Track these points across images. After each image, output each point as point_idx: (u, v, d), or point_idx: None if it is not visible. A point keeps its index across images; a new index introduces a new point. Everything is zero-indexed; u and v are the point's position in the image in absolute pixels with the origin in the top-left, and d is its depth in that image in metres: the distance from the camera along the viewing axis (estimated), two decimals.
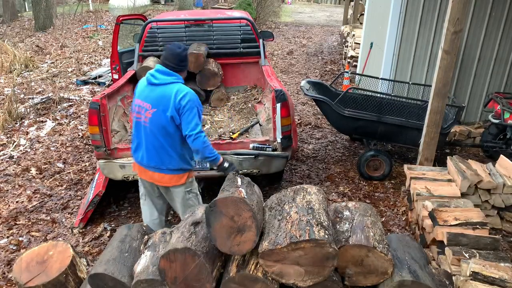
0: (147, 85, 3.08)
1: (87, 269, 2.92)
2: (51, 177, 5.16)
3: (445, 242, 3.13)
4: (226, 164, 3.17)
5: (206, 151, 3.04)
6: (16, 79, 8.66)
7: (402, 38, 6.08)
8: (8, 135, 6.35)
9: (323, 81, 6.16)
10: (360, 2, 12.77)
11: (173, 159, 3.10)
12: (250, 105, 5.30)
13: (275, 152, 4.07)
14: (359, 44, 9.09)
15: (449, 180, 4.04)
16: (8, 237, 4.06)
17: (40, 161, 5.57)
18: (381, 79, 5.89)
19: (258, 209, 2.43)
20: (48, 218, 4.36)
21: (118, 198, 4.71)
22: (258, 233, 2.33)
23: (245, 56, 5.66)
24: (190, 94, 3.02)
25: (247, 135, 4.52)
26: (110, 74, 8.48)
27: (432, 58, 6.08)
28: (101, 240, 4.00)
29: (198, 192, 3.40)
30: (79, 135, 6.37)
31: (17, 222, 4.28)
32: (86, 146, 5.99)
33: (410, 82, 5.73)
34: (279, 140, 4.03)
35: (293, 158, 5.42)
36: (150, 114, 3.01)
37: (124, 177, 4.05)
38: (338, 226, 2.61)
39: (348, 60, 9.81)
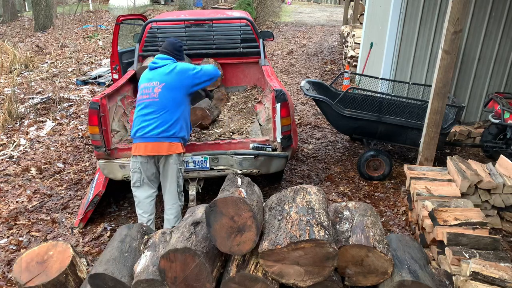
0: (149, 71, 3.67)
1: (87, 269, 2.92)
2: (51, 177, 5.16)
3: (445, 242, 3.13)
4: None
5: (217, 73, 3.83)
6: (16, 79, 8.66)
7: (402, 38, 6.08)
8: (8, 135, 6.35)
9: (323, 81, 6.16)
10: (360, 2, 12.77)
11: (179, 126, 3.58)
12: (250, 105, 5.30)
13: (275, 152, 4.07)
14: (359, 44, 9.09)
15: (449, 180, 4.03)
16: (8, 237, 4.06)
17: (40, 161, 5.57)
18: (381, 79, 5.89)
19: (258, 209, 2.43)
20: (48, 218, 4.36)
21: (118, 198, 4.71)
22: (258, 233, 2.33)
23: (245, 56, 5.66)
24: (183, 63, 3.70)
25: (247, 135, 4.51)
26: (110, 74, 8.49)
27: (432, 58, 6.08)
28: (101, 240, 4.00)
29: (183, 173, 3.82)
30: (79, 135, 6.37)
31: (17, 222, 4.28)
32: (86, 146, 5.99)
33: (410, 82, 5.73)
34: (279, 140, 4.03)
35: (293, 158, 5.42)
36: (160, 89, 3.52)
37: (124, 177, 4.05)
38: (338, 226, 2.61)
39: (348, 60, 9.81)
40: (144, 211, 3.73)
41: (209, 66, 3.81)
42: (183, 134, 3.64)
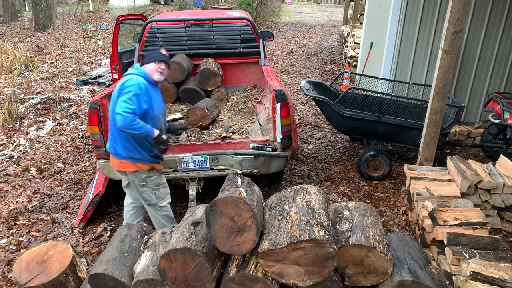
0: None
1: (87, 269, 2.92)
2: (51, 177, 5.16)
3: (445, 242, 3.13)
4: (164, 136, 3.28)
5: (133, 130, 3.06)
6: (16, 79, 8.66)
7: (402, 38, 6.08)
8: (8, 135, 6.35)
9: (323, 81, 6.16)
10: (360, 2, 12.77)
11: (121, 145, 3.28)
12: (250, 105, 5.30)
13: (275, 152, 4.07)
14: (359, 44, 9.09)
15: (449, 180, 4.03)
16: (8, 237, 4.06)
17: (40, 161, 5.57)
18: (381, 79, 5.89)
19: (258, 209, 2.43)
20: (48, 218, 4.36)
21: (118, 198, 4.70)
22: (258, 233, 2.33)
23: (245, 56, 5.66)
24: (131, 80, 3.16)
25: (247, 135, 4.52)
26: (110, 74, 8.49)
27: (432, 58, 6.08)
28: (101, 240, 4.00)
29: (158, 189, 3.48)
30: (79, 135, 6.37)
31: (17, 222, 4.28)
32: (86, 146, 5.99)
33: (410, 82, 5.73)
34: (279, 140, 4.04)
35: (293, 158, 5.42)
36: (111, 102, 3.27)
37: None
38: (338, 226, 2.61)
39: (348, 60, 9.81)
40: (124, 215, 3.76)
41: (126, 119, 3.02)
42: (129, 154, 3.29)
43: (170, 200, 3.64)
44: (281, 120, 3.96)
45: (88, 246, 3.92)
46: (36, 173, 5.25)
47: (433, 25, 5.96)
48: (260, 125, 4.72)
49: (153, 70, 3.28)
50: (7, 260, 3.73)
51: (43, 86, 8.51)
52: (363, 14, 9.96)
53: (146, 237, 2.82)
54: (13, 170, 5.33)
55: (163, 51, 3.38)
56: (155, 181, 3.46)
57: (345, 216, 2.70)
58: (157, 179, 3.48)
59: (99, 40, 12.94)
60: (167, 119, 4.26)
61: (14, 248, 3.90)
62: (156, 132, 3.21)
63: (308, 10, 23.19)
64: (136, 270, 2.53)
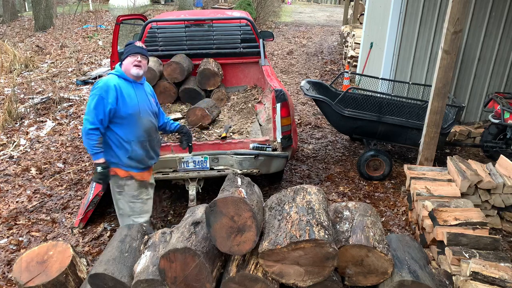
0: None
1: (87, 269, 2.92)
2: (51, 177, 5.16)
3: (445, 242, 3.13)
4: (98, 168, 3.05)
5: (84, 141, 3.03)
6: (16, 79, 8.67)
7: (402, 38, 6.08)
8: (8, 135, 6.35)
9: (323, 81, 6.16)
10: (360, 2, 12.78)
11: (105, 150, 3.16)
12: (250, 105, 5.30)
13: (275, 152, 4.07)
14: (359, 44, 9.10)
15: (449, 180, 4.04)
16: (8, 237, 4.06)
17: (40, 161, 5.57)
18: (381, 79, 5.89)
19: (258, 209, 2.43)
20: (48, 218, 4.36)
21: None
22: (258, 233, 2.33)
23: (245, 56, 5.66)
24: (99, 82, 3.08)
25: (247, 135, 4.52)
26: None
27: (432, 58, 6.08)
28: (101, 240, 4.00)
29: (134, 202, 3.29)
30: (79, 135, 6.37)
31: (17, 222, 4.28)
32: None
33: (410, 82, 5.73)
34: (279, 140, 4.04)
35: (293, 158, 5.42)
36: None
37: None
38: (338, 226, 2.61)
39: (348, 60, 9.81)
40: None
41: (85, 125, 3.01)
42: (107, 157, 3.13)
43: (146, 219, 3.38)
44: (281, 120, 3.96)
45: (88, 246, 3.92)
46: (36, 173, 5.25)
47: (433, 25, 5.96)
48: (260, 125, 4.72)
49: (129, 64, 3.15)
50: (7, 260, 3.72)
51: (43, 86, 8.51)
52: (363, 14, 9.97)
53: (146, 237, 2.82)
54: (13, 170, 5.33)
55: (138, 43, 3.24)
56: (132, 193, 3.25)
57: (345, 216, 2.70)
58: (134, 190, 3.25)
59: (99, 40, 12.94)
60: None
61: (14, 248, 3.90)
62: (100, 160, 3.04)
63: (308, 10, 23.20)
64: (136, 270, 2.53)
